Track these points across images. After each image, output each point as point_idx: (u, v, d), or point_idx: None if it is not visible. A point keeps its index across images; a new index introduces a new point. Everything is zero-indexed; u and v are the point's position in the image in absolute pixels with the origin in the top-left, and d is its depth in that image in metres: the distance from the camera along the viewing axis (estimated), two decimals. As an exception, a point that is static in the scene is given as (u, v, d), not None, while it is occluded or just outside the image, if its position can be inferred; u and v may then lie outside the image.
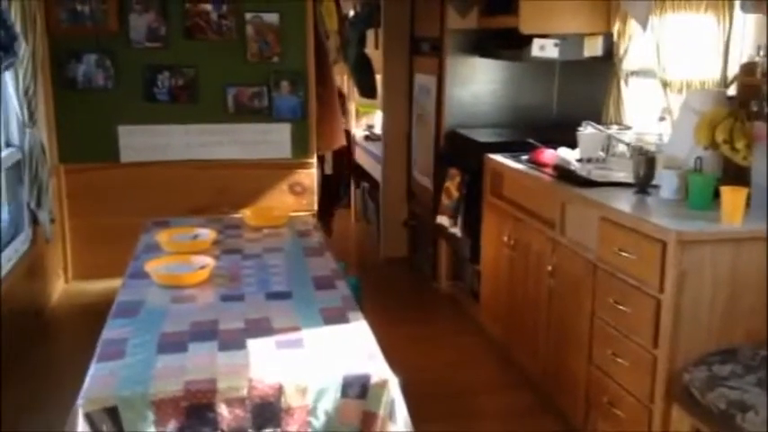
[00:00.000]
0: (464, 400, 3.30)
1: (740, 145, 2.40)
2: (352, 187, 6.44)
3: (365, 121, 6.60)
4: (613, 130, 3.46)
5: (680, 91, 3.18)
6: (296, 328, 2.05)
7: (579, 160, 3.21)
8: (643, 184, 2.78)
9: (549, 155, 3.49)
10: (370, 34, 5.55)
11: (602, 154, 3.21)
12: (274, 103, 3.59)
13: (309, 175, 3.67)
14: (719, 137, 2.43)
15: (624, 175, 2.99)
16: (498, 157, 3.70)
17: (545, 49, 3.77)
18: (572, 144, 3.47)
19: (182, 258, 2.61)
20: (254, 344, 1.96)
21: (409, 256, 5.29)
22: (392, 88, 5.07)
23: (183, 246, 2.80)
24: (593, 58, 3.84)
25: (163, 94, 3.51)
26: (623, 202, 2.71)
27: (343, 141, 4.14)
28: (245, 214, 3.20)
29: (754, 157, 2.43)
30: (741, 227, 2.32)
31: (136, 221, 3.39)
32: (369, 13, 5.55)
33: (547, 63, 4.31)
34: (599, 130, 3.36)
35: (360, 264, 5.42)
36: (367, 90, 5.67)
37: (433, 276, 4.71)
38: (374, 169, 5.59)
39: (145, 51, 3.47)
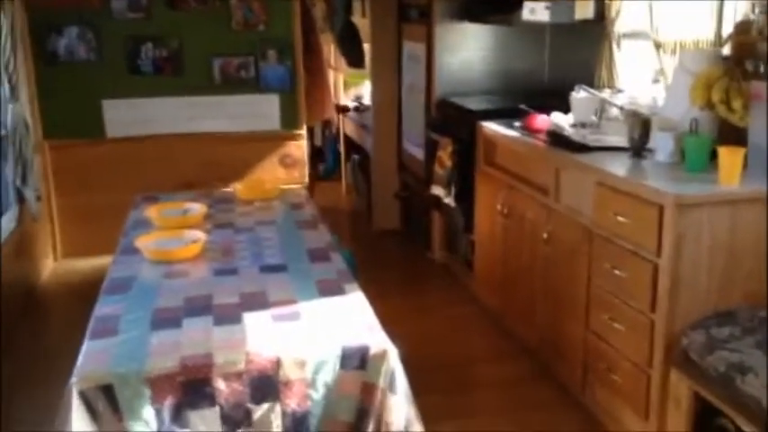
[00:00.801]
0: (462, 371, 3.30)
1: (737, 105, 2.36)
2: (342, 159, 6.39)
3: (353, 92, 6.52)
4: (606, 93, 3.42)
5: (673, 52, 3.13)
6: (292, 301, 2.02)
7: (573, 125, 3.17)
8: (638, 148, 2.75)
9: (541, 120, 3.44)
10: (356, 2, 5.45)
11: (594, 119, 3.17)
12: (261, 73, 3.50)
13: (300, 147, 3.60)
14: (715, 97, 2.40)
15: (619, 139, 2.96)
16: (491, 125, 3.65)
17: (536, 12, 3.70)
18: (565, 109, 3.43)
19: (173, 233, 2.56)
20: (249, 317, 1.93)
21: (402, 228, 5.26)
22: (380, 57, 5.00)
23: (173, 221, 2.75)
24: (585, 21, 3.77)
25: (147, 65, 3.43)
26: (619, 167, 2.68)
27: (332, 113, 4.07)
28: (236, 188, 3.15)
29: (751, 117, 2.40)
30: (739, 188, 2.30)
31: (124, 198, 3.34)
32: (355, -20, 5.44)
33: (538, 27, 4.25)
34: (592, 94, 3.32)
35: (352, 237, 5.39)
36: (354, 60, 5.58)
37: (427, 247, 4.69)
38: (364, 141, 5.53)
39: (127, 22, 3.38)
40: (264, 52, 3.50)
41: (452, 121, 4.02)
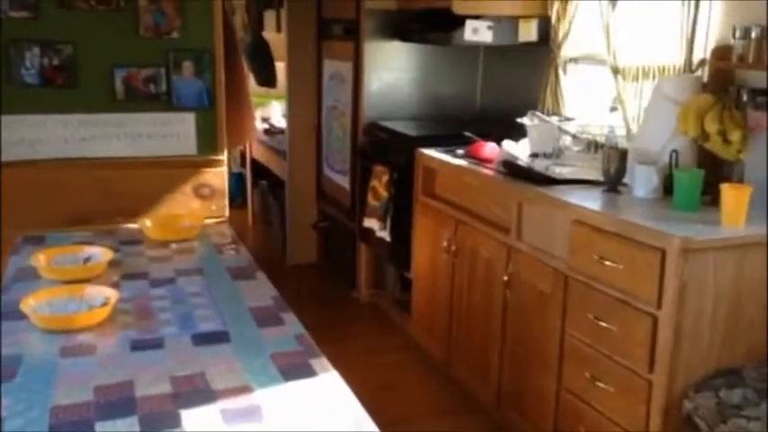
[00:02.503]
0: (404, 429, 2.89)
1: (735, 137, 2.13)
2: (249, 185, 5.88)
3: (260, 113, 6.04)
4: (553, 120, 3.16)
5: (635, 78, 2.91)
6: (246, 389, 1.47)
7: (532, 155, 2.87)
8: (614, 182, 2.48)
9: (490, 149, 3.14)
10: (269, 17, 5.01)
11: (554, 148, 2.89)
12: (175, 87, 2.91)
13: (219, 175, 3.02)
14: (711, 128, 2.15)
15: (585, 171, 2.69)
16: (431, 152, 3.31)
17: (478, 32, 3.42)
18: (503, 137, 3.16)
19: (70, 290, 1.97)
20: (190, 417, 1.42)
21: (320, 262, 4.81)
22: (298, 76, 4.58)
23: (69, 272, 2.13)
24: (527, 44, 3.53)
25: (32, 76, 2.75)
26: (595, 202, 2.39)
27: (253, 135, 3.59)
28: (146, 225, 2.59)
29: (749, 151, 2.17)
30: (744, 230, 2.05)
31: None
32: (266, -8, 5.01)
33: (470, 49, 3.99)
34: (547, 121, 3.04)
35: (265, 272, 4.88)
36: (264, 78, 5.14)
37: (351, 285, 4.27)
38: (277, 166, 5.07)
39: (8, 22, 2.70)
40: (178, 63, 2.93)
41: (386, 148, 3.65)
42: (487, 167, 2.99)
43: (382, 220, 3.54)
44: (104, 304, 1.86)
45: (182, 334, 1.76)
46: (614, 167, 2.47)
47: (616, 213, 2.25)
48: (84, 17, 2.78)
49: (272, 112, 5.78)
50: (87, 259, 2.19)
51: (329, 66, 4.38)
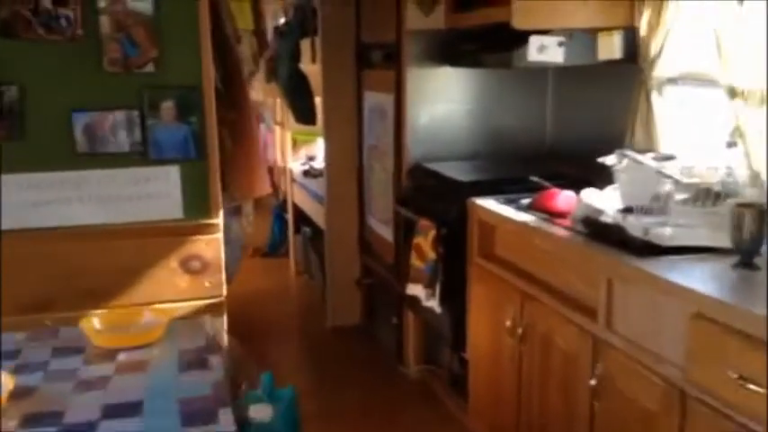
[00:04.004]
0: None
1: None
2: (291, 232, 5.30)
3: (305, 152, 5.47)
4: (649, 160, 2.41)
5: (762, 102, 2.15)
6: None
7: (623, 210, 2.14)
8: (750, 252, 1.73)
9: (564, 200, 2.43)
10: (305, 46, 4.44)
11: (656, 201, 2.15)
12: (152, 135, 2.27)
13: (212, 244, 2.30)
14: None
15: (696, 231, 1.94)
16: (489, 203, 2.62)
17: (546, 50, 2.72)
18: (583, 181, 2.45)
19: None
20: None
21: (364, 324, 4.14)
22: (335, 111, 3.97)
23: None
24: (606, 63, 2.81)
25: None
26: (725, 286, 1.65)
27: (267, 187, 2.98)
28: (88, 326, 1.86)
29: None
30: None
31: None
32: (301, 19, 4.44)
33: (537, 72, 3.29)
34: (641, 162, 2.30)
35: (302, 336, 4.26)
36: (304, 115, 4.54)
37: (398, 356, 3.57)
38: (316, 213, 4.46)
39: None
40: (155, 104, 2.28)
41: (433, 196, 2.97)
42: (562, 225, 2.28)
43: (429, 286, 2.84)
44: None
45: None
46: (749, 231, 1.72)
47: (761, 308, 1.50)
48: (33, 49, 2.11)
49: (318, 150, 5.21)
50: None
51: (369, 98, 3.75)
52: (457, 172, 3.02)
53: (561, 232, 2.21)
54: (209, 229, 2.35)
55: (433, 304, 2.86)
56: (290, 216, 5.24)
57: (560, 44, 2.75)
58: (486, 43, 3.00)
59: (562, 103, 3.36)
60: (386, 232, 3.58)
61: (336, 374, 3.63)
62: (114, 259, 2.29)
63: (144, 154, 2.30)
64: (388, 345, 3.73)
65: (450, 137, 3.33)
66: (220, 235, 2.37)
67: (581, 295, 2.11)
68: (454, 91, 3.32)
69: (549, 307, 2.24)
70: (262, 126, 5.85)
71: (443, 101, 3.31)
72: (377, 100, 3.62)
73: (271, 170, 5.87)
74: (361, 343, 3.98)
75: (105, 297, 2.23)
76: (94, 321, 1.86)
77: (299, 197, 4.92)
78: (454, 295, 2.80)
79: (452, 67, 3.24)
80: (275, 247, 5.66)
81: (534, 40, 2.72)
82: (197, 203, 2.35)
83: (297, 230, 5.19)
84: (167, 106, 2.26)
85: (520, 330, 2.39)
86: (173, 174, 2.30)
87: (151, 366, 1.69)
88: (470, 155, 3.33)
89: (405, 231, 3.14)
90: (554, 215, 2.39)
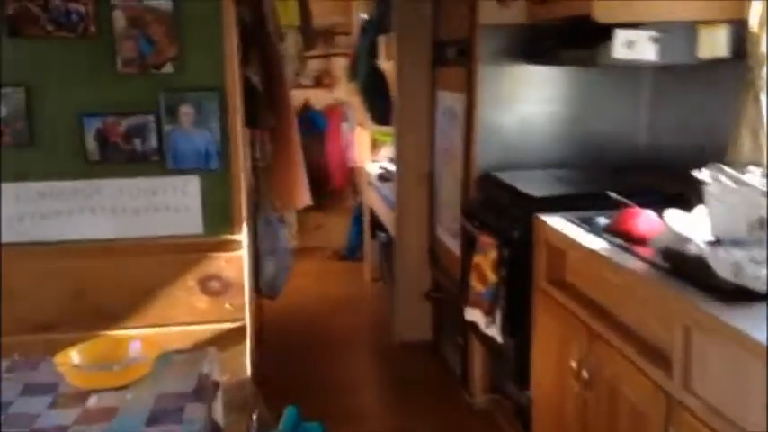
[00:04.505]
0: None
1: None
2: (366, 236, 5.08)
3: (385, 154, 5.24)
4: (751, 178, 2.00)
5: None
6: None
7: (713, 242, 1.75)
8: None
9: (646, 222, 2.07)
10: (383, 43, 4.21)
11: (754, 232, 1.75)
12: (170, 142, 2.06)
13: (234, 262, 2.14)
14: None
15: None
16: (557, 222, 2.28)
17: (635, 46, 2.35)
18: (677, 198, 2.08)
19: None
20: None
21: (435, 342, 3.86)
22: (408, 111, 3.71)
23: None
24: (710, 62, 2.40)
25: None
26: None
27: (307, 199, 2.74)
28: (64, 361, 1.65)
29: None
30: None
31: None
32: (383, 14, 4.20)
33: (631, 71, 2.90)
34: (739, 182, 1.90)
35: (368, 349, 4.02)
36: (382, 115, 4.32)
37: (463, 381, 3.27)
38: (389, 219, 4.21)
39: None
40: (174, 109, 2.08)
41: (497, 210, 2.65)
42: (639, 255, 1.92)
43: (489, 312, 2.54)
44: None
45: None
46: None
47: None
48: (40, 49, 1.93)
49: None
50: None
51: (442, 98, 3.46)
52: (528, 183, 2.68)
53: (635, 265, 1.85)
54: (230, 245, 2.14)
55: (494, 333, 2.55)
56: (366, 220, 5.03)
57: (652, 39, 2.36)
58: (567, 39, 2.66)
59: (658, 106, 2.95)
60: (453, 245, 3.29)
61: (396, 396, 3.38)
62: (126, 277, 2.12)
63: (160, 163, 2.11)
64: (455, 367, 3.43)
65: (528, 143, 2.99)
66: (243, 252, 2.16)
67: (656, 339, 1.76)
68: (533, 92, 2.98)
69: (618, 350, 1.89)
70: (345, 126, 5.69)
71: (520, 102, 2.98)
72: (449, 100, 3.33)
73: (351, 171, 5.69)
74: (428, 363, 3.70)
75: (115, 318, 2.07)
76: (73, 356, 1.67)
77: (375, 201, 4.70)
78: (517, 324, 2.48)
79: (531, 64, 2.90)
80: (353, 251, 5.47)
81: (621, 35, 2.36)
82: (218, 218, 2.14)
83: (373, 235, 4.97)
84: (186, 111, 2.07)
85: (585, 374, 2.05)
86: (192, 185, 2.10)
87: (117, 417, 1.49)
88: (550, 164, 2.98)
89: (467, 247, 2.84)
90: (633, 240, 2.03)
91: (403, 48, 3.67)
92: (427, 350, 3.82)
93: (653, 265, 1.82)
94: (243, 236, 2.18)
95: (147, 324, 2.11)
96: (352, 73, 4.61)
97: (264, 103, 2.31)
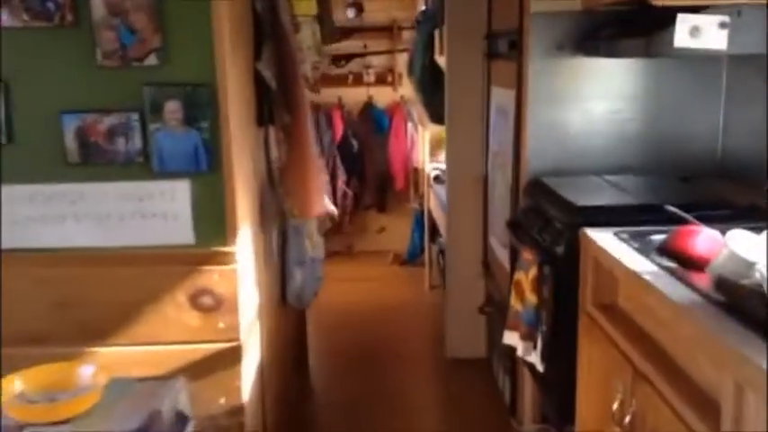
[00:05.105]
0: None
1: None
2: (426, 241, 4.85)
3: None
4: None
5: None
6: None
7: (780, 273, 1.42)
8: None
9: (706, 242, 1.74)
10: (440, 38, 3.96)
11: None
12: (155, 142, 1.89)
13: (228, 276, 1.96)
14: None
15: None
16: (606, 237, 1.97)
17: (701, 32, 2.01)
18: (752, 213, 1.76)
19: None
20: None
21: (487, 359, 3.58)
22: (460, 110, 3.46)
23: None
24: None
25: None
26: None
27: (322, 206, 2.52)
28: (8, 388, 1.51)
29: None
30: None
31: None
32: (438, 6, 3.96)
33: (707, 63, 2.54)
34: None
35: (418, 363, 3.78)
36: (438, 112, 4.06)
37: (512, 407, 2.99)
38: (444, 224, 3.96)
39: None
40: (158, 105, 1.91)
41: (540, 221, 2.36)
42: (694, 282, 1.60)
43: (529, 337, 2.25)
44: None
45: None
46: None
47: None
48: (17, 39, 1.84)
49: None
50: None
51: (495, 95, 3.18)
52: (580, 191, 2.38)
53: (683, 295, 1.54)
54: (224, 258, 1.95)
55: (534, 360, 2.26)
56: (426, 223, 4.79)
57: (722, 25, 2.02)
58: (628, 27, 2.33)
59: (739, 104, 2.57)
60: (504, 257, 3.01)
61: (442, 419, 3.14)
62: (111, 289, 1.96)
63: (145, 165, 1.95)
64: (504, 390, 3.15)
65: (585, 146, 2.67)
66: (236, 266, 1.97)
67: (707, 384, 1.45)
68: (592, 88, 2.66)
69: (663, 396, 1.58)
70: (409, 125, 5.47)
71: (577, 100, 2.66)
72: (501, 97, 3.05)
73: (415, 171, 5.46)
74: (479, 383, 3.43)
75: (100, 333, 1.92)
76: (17, 382, 1.52)
77: (433, 203, 4.46)
78: (560, 352, 2.18)
79: (588, 56, 2.59)
80: (414, 256, 5.25)
81: (684, 20, 2.02)
82: (210, 227, 1.95)
83: (433, 239, 4.73)
84: (173, 108, 1.89)
85: (627, 418, 1.74)
86: (181, 190, 1.92)
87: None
88: (612, 169, 2.65)
89: (511, 261, 2.55)
90: (690, 263, 1.71)
91: (454, 40, 3.43)
92: (480, 368, 3.55)
93: (705, 296, 1.50)
94: (233, 247, 1.98)
95: (134, 341, 1.96)
96: (410, 69, 4.38)
97: (277, 100, 2.12)
